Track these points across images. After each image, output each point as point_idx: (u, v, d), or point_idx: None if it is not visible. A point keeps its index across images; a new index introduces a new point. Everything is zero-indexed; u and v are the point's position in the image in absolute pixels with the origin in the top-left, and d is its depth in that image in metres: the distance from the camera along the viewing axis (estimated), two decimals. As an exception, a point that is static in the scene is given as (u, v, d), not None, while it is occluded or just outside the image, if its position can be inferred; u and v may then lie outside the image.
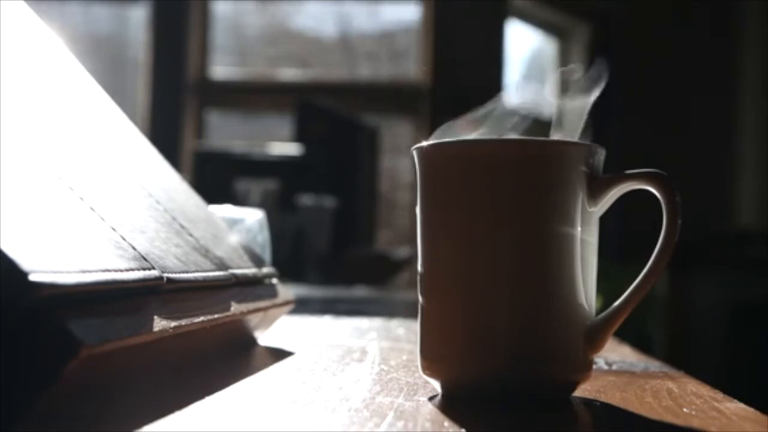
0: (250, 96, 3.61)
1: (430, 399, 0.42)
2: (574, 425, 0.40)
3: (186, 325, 0.43)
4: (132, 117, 0.67)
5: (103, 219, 0.43)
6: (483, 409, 0.41)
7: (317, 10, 3.70)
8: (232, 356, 0.56)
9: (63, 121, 0.52)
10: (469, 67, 3.38)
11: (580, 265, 0.42)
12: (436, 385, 0.44)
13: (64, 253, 0.35)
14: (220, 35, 3.65)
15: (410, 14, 3.65)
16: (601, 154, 0.44)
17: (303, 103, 2.76)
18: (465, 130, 0.46)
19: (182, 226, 0.55)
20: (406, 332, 0.74)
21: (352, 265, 2.47)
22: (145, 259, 0.43)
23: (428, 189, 0.45)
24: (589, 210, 0.43)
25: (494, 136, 0.46)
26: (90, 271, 0.35)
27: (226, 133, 3.66)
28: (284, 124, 3.19)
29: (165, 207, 0.55)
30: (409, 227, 3.39)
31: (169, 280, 0.44)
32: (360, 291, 1.67)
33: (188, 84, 3.52)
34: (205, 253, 0.54)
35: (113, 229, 0.43)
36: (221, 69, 3.62)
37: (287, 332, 0.71)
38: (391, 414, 0.38)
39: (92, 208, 0.43)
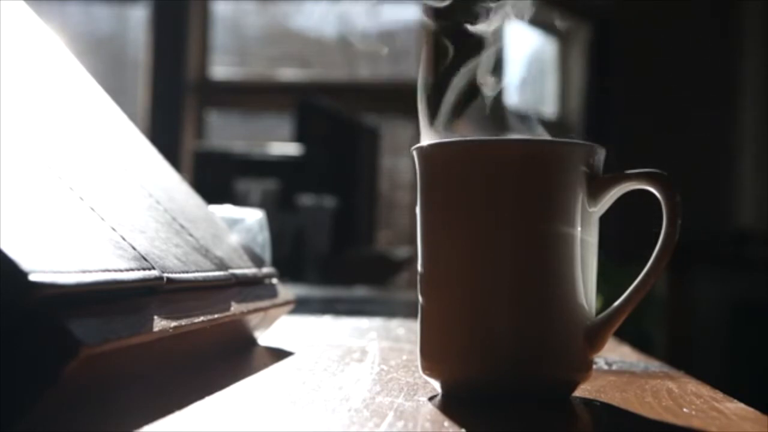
0: (250, 96, 3.61)
1: (430, 399, 0.42)
2: (574, 425, 0.40)
3: (186, 325, 0.43)
4: (132, 117, 0.67)
5: (103, 219, 0.43)
6: (483, 409, 0.41)
7: (317, 10, 3.70)
8: (232, 356, 0.56)
9: (63, 121, 0.52)
10: (469, 67, 3.37)
11: (580, 265, 0.42)
12: (436, 385, 0.44)
13: (64, 253, 0.35)
14: (220, 35, 3.65)
15: (410, 14, 3.65)
16: (601, 154, 0.44)
17: (303, 103, 2.76)
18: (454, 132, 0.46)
19: (182, 226, 0.55)
20: (406, 332, 0.74)
21: (352, 265, 2.47)
22: (145, 259, 0.43)
23: (428, 189, 0.45)
24: (589, 210, 0.43)
25: (494, 136, 0.46)
26: (90, 271, 0.35)
27: (226, 133, 3.66)
28: (284, 124, 3.19)
29: (165, 207, 0.55)
30: (409, 227, 3.39)
31: (169, 280, 0.44)
32: (360, 291, 1.67)
33: (188, 84, 3.52)
34: (205, 253, 0.54)
35: (113, 229, 0.43)
36: (221, 69, 3.62)
37: (287, 332, 0.71)
38: (391, 414, 0.38)
39: (92, 208, 0.43)
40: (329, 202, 2.51)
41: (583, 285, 0.43)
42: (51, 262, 0.33)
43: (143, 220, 0.49)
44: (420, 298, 0.45)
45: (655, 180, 0.42)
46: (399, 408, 0.39)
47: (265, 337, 0.65)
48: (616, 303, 0.43)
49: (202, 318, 0.46)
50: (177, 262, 0.47)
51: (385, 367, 0.52)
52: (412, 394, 0.43)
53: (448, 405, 0.41)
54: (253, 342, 0.63)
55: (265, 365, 0.52)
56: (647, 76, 3.50)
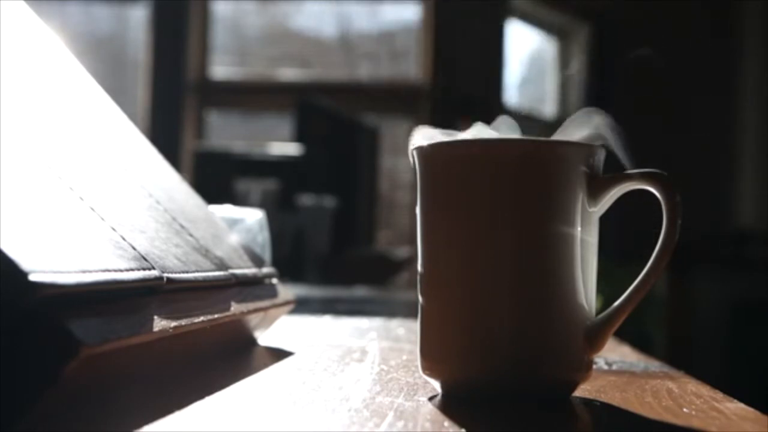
0: (250, 96, 3.61)
1: (430, 399, 0.42)
2: (574, 425, 0.40)
3: (186, 325, 0.43)
4: (132, 117, 0.67)
5: (103, 219, 0.43)
6: (483, 409, 0.41)
7: (317, 10, 3.70)
8: (232, 356, 0.56)
9: (63, 121, 0.52)
10: (470, 67, 3.38)
11: (580, 265, 0.42)
12: (436, 385, 0.44)
13: (64, 253, 0.35)
14: (220, 35, 3.65)
15: (410, 14, 3.65)
16: (601, 154, 0.44)
17: (303, 103, 2.76)
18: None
19: (182, 226, 0.55)
20: (406, 332, 0.74)
21: (352, 265, 2.47)
22: (145, 259, 0.43)
23: (428, 189, 0.45)
24: (589, 210, 0.43)
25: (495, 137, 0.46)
26: (90, 271, 0.35)
27: (226, 133, 3.66)
28: (284, 124, 3.19)
29: (165, 207, 0.55)
30: (409, 227, 3.39)
31: (169, 280, 0.44)
32: (360, 291, 1.67)
33: (188, 84, 3.52)
34: (205, 253, 0.54)
35: (113, 229, 0.43)
36: (221, 69, 3.62)
37: (287, 332, 0.71)
38: (391, 414, 0.38)
39: (92, 208, 0.43)
40: (329, 202, 2.51)
41: (583, 285, 0.43)
42: (51, 262, 0.33)
43: (143, 220, 0.49)
44: (420, 298, 0.45)
45: (655, 180, 0.42)
46: (399, 408, 0.39)
47: (265, 337, 0.65)
48: (616, 303, 0.43)
49: (202, 318, 0.46)
50: (177, 262, 0.47)
51: (385, 367, 0.52)
52: (412, 394, 0.43)
53: (448, 405, 0.41)
54: (253, 342, 0.63)
55: (265, 365, 0.52)
56: (647, 76, 3.49)
